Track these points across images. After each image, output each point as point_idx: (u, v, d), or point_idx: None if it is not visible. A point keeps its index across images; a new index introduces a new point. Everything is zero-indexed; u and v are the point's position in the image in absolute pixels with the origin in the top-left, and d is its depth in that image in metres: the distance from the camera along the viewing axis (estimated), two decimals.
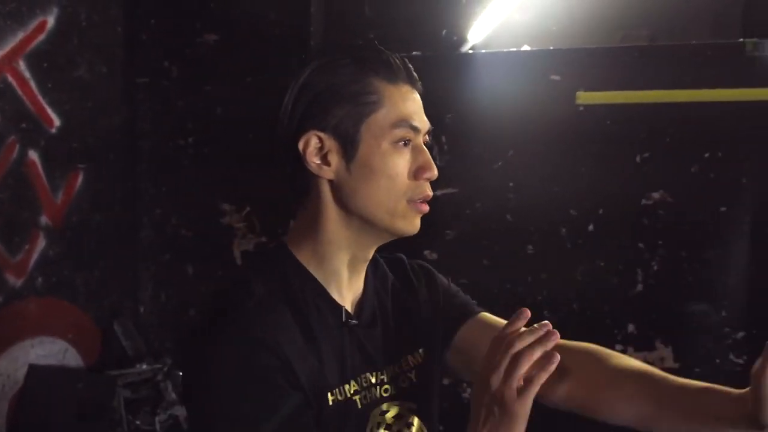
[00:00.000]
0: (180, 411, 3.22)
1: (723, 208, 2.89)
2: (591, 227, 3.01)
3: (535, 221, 3.07)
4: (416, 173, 1.23)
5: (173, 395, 3.21)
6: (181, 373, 1.22)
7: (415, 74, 1.28)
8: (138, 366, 3.23)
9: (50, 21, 3.04)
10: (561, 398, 1.27)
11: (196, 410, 1.19)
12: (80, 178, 3.20)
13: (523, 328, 1.15)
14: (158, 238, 3.46)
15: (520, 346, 1.10)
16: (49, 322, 3.10)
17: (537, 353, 1.09)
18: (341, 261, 1.27)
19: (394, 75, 1.24)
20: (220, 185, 3.38)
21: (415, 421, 1.34)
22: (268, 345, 1.13)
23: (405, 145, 1.23)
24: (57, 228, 3.12)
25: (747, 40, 2.85)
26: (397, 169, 1.22)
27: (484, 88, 3.07)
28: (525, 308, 1.15)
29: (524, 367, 1.09)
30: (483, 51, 3.22)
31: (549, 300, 3.03)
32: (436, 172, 1.24)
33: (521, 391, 1.09)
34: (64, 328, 3.15)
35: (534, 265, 3.07)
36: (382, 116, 1.22)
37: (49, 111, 3.06)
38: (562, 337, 1.16)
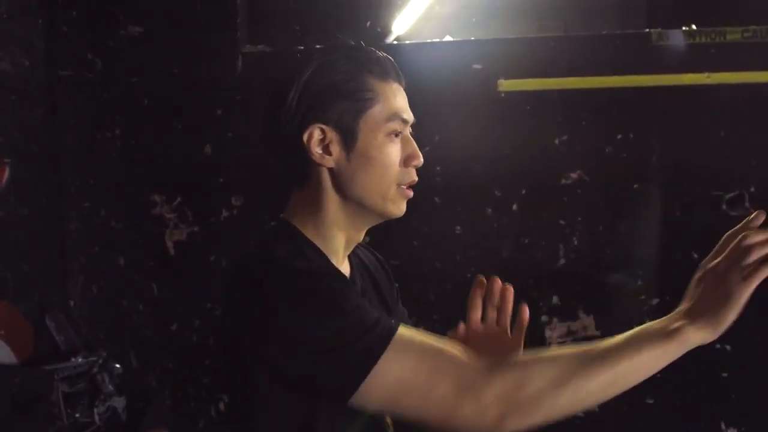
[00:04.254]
0: (118, 402, 3.23)
1: (635, 186, 3.09)
2: (515, 207, 3.16)
3: (462, 202, 3.19)
4: (406, 161, 1.37)
5: (110, 387, 3.21)
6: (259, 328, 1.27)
7: (400, 72, 1.41)
8: (73, 359, 3.21)
9: None
10: None
11: (305, 347, 1.19)
12: (6, 172, 3.15)
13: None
14: (87, 231, 3.42)
15: (753, 240, 1.16)
16: None
17: (767, 249, 1.16)
18: (340, 242, 1.40)
19: (385, 73, 1.37)
20: (150, 176, 3.37)
21: None
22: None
23: (396, 136, 1.36)
24: None
25: (653, 30, 3.05)
26: (391, 158, 1.35)
27: (410, 78, 3.12)
28: (762, 210, 1.21)
29: (753, 258, 1.15)
30: (407, 42, 3.31)
31: None
32: (422, 159, 1.38)
33: (745, 277, 1.14)
34: None
35: (462, 244, 3.18)
36: (377, 111, 1.34)
37: None
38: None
